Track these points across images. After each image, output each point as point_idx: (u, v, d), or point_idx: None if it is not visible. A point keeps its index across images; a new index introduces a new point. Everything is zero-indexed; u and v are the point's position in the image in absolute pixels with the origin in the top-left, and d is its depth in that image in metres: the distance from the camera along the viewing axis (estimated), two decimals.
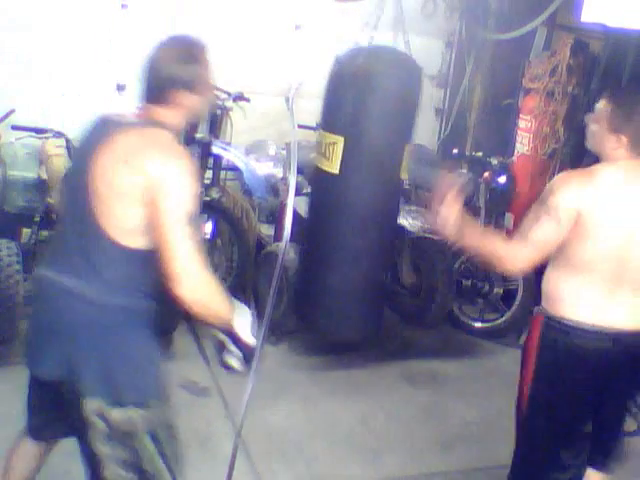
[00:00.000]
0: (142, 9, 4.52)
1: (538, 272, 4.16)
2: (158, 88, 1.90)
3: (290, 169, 2.40)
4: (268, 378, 3.37)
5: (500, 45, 5.08)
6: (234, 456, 2.42)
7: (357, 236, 2.77)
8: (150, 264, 1.84)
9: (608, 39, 4.23)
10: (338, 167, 2.58)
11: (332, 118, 2.62)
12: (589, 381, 2.32)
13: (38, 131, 3.79)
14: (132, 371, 1.93)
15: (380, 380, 3.78)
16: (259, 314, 4.55)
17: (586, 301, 2.26)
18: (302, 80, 2.36)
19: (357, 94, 2.58)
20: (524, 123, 4.82)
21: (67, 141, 3.68)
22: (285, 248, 2.39)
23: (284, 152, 4.48)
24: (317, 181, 2.67)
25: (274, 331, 3.87)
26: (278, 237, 4.27)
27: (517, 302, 4.46)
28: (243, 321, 2.02)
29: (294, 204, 2.42)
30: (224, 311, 1.95)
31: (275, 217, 4.43)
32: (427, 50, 5.31)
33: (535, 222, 2.23)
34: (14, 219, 3.94)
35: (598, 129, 2.29)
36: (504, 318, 4.46)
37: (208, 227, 4.22)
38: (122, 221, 1.83)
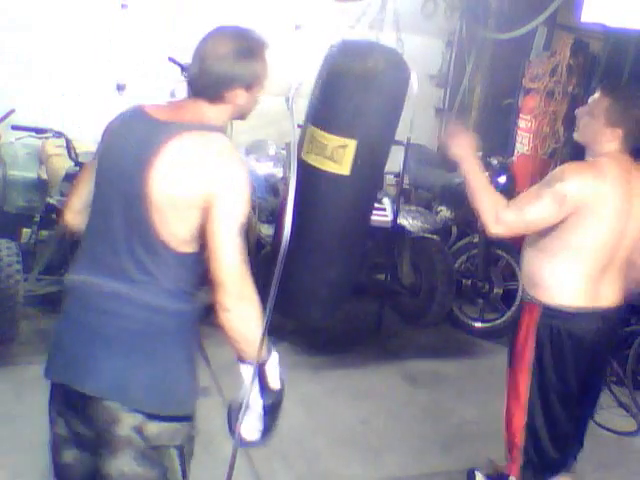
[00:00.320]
0: (142, 9, 4.52)
1: None
2: (214, 84, 1.78)
3: (290, 169, 2.40)
4: None
5: (500, 45, 5.08)
6: (234, 456, 2.42)
7: (360, 234, 2.72)
8: (198, 266, 1.79)
9: (608, 39, 4.24)
10: (349, 169, 2.51)
11: (338, 120, 2.54)
12: (586, 358, 2.47)
13: (38, 131, 3.79)
14: (174, 382, 1.83)
15: (380, 380, 3.78)
16: None
17: (583, 286, 2.39)
18: (302, 80, 2.35)
19: (363, 95, 2.51)
20: (524, 123, 4.82)
21: (67, 141, 3.67)
22: (285, 248, 2.39)
23: (284, 152, 4.48)
24: (320, 183, 2.59)
25: (274, 331, 3.87)
26: (278, 237, 4.27)
27: (517, 302, 4.46)
28: (274, 359, 1.86)
29: (294, 204, 2.42)
30: (258, 337, 1.78)
31: (275, 217, 4.43)
32: (427, 50, 5.32)
33: (536, 199, 2.31)
34: (14, 219, 3.94)
35: (594, 122, 2.37)
36: (504, 318, 4.46)
37: None
38: (178, 229, 1.73)
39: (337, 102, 2.49)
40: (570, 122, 4.55)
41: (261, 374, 1.82)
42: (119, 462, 1.80)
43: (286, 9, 4.90)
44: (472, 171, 2.41)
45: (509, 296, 4.49)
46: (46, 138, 3.81)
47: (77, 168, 3.55)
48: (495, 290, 4.48)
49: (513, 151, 4.94)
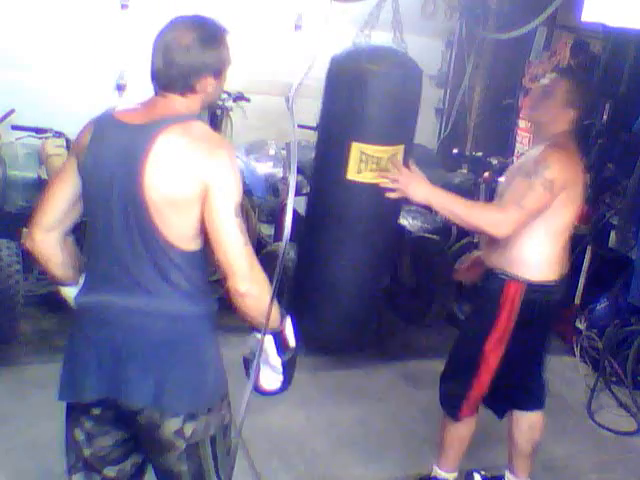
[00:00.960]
0: (142, 9, 4.52)
1: None
2: (184, 76, 1.75)
3: (290, 169, 2.40)
4: None
5: (500, 45, 5.08)
6: (234, 456, 2.42)
7: (392, 240, 2.71)
8: (205, 262, 1.82)
9: (608, 39, 4.23)
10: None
11: (386, 130, 2.49)
12: (553, 321, 2.75)
13: (38, 131, 3.79)
14: (205, 378, 1.87)
15: (380, 380, 3.78)
16: None
17: (560, 260, 2.57)
18: (302, 80, 2.35)
19: (400, 101, 2.47)
20: (524, 123, 4.82)
21: (67, 141, 3.68)
22: (285, 248, 2.39)
23: (284, 152, 4.48)
24: (380, 197, 2.51)
25: None
26: (278, 237, 4.27)
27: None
28: (288, 324, 1.93)
29: (294, 204, 2.42)
30: (274, 312, 1.82)
31: (275, 217, 4.43)
32: (427, 50, 5.31)
33: (530, 191, 2.38)
34: (14, 219, 3.94)
35: (552, 102, 2.49)
36: None
37: None
38: (182, 226, 1.73)
39: (383, 112, 2.43)
40: None
41: (281, 338, 1.89)
42: (166, 462, 1.87)
43: (286, 9, 4.89)
44: (445, 201, 2.44)
45: None
46: (46, 138, 3.81)
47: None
48: None
49: (513, 151, 4.94)
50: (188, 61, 1.74)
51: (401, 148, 2.43)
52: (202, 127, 1.78)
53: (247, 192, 4.51)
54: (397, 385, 3.75)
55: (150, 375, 1.79)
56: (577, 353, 4.25)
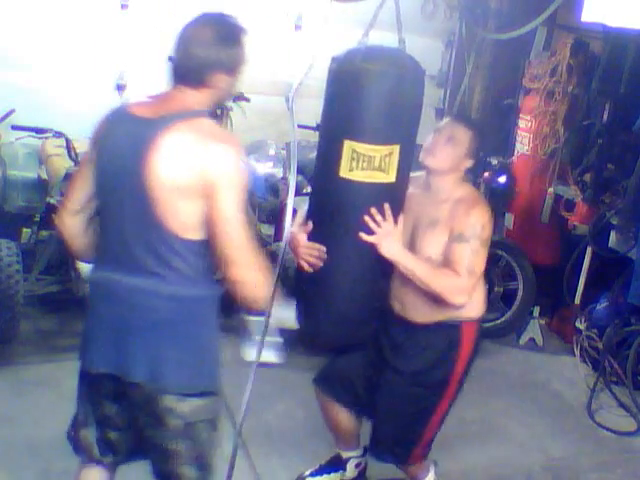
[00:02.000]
0: (142, 9, 4.52)
1: (539, 272, 4.17)
2: (198, 69, 1.85)
3: (290, 169, 2.40)
4: (268, 378, 3.37)
5: (500, 45, 5.08)
6: (234, 456, 2.42)
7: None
8: (209, 252, 1.88)
9: (608, 39, 4.23)
10: (395, 175, 2.47)
11: (381, 129, 2.47)
12: None
13: (38, 131, 3.79)
14: (202, 360, 1.96)
15: None
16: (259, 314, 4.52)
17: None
18: (302, 80, 2.35)
19: (397, 100, 2.45)
20: (524, 123, 4.82)
21: (67, 141, 3.67)
22: (285, 248, 2.39)
23: (284, 152, 4.48)
24: (369, 196, 2.49)
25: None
26: (278, 237, 4.27)
27: (517, 302, 4.47)
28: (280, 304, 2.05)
29: (294, 204, 2.41)
30: (267, 296, 1.96)
31: (275, 217, 4.43)
32: (427, 50, 5.31)
33: (476, 255, 2.41)
34: (14, 219, 3.94)
35: (456, 150, 2.51)
36: (504, 318, 4.46)
37: None
38: (185, 217, 1.82)
39: (376, 111, 2.41)
40: (570, 122, 4.56)
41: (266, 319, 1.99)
42: (159, 439, 1.96)
43: (286, 9, 4.90)
44: (411, 264, 2.40)
45: (509, 296, 4.49)
46: (46, 138, 3.81)
47: (77, 168, 3.55)
48: (495, 290, 4.48)
49: (513, 151, 4.93)
50: (204, 55, 1.83)
51: (396, 148, 2.41)
52: (211, 124, 1.87)
53: (247, 192, 4.52)
54: None
55: (148, 351, 1.89)
56: (577, 353, 4.26)
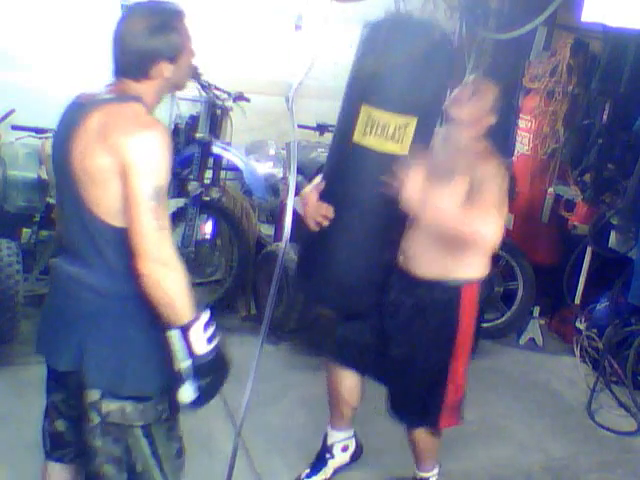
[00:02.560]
0: None
1: (539, 272, 4.17)
2: (136, 61, 1.81)
3: (290, 169, 2.40)
4: (268, 378, 3.37)
5: (500, 45, 5.08)
6: (234, 456, 2.42)
7: (395, 213, 2.61)
8: None
9: (608, 39, 4.23)
10: (408, 148, 2.42)
11: (399, 98, 2.41)
12: None
13: (38, 131, 3.79)
14: (125, 362, 1.86)
15: None
16: (259, 314, 4.57)
17: None
18: (302, 80, 2.35)
19: (421, 70, 2.39)
20: (524, 123, 4.82)
21: None
22: (285, 248, 2.39)
23: (284, 152, 4.48)
24: (380, 165, 2.44)
25: (274, 331, 3.87)
26: (278, 237, 4.27)
27: (517, 302, 4.47)
28: (200, 323, 1.81)
29: (294, 204, 2.41)
30: (182, 304, 1.76)
31: (275, 217, 4.43)
32: None
33: (501, 202, 2.41)
34: (14, 219, 3.94)
35: (482, 104, 2.52)
36: (504, 318, 4.46)
37: (208, 227, 4.22)
38: (109, 202, 1.76)
39: (397, 80, 2.37)
40: (570, 122, 4.56)
41: (186, 338, 1.78)
42: (84, 433, 1.92)
43: (286, 9, 4.89)
44: (440, 211, 2.37)
45: (509, 296, 4.49)
46: (46, 138, 3.81)
47: None
48: (495, 290, 4.48)
49: (513, 151, 4.93)
50: (139, 47, 1.80)
51: (413, 121, 2.36)
52: (136, 108, 1.80)
53: (247, 192, 4.52)
54: None
55: (74, 342, 1.86)
56: (577, 353, 4.26)
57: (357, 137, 2.41)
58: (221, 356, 1.86)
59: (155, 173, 1.73)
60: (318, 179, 2.62)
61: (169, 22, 1.83)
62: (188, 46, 1.87)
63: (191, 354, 1.78)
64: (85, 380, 1.86)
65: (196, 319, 1.78)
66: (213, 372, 1.84)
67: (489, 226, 2.36)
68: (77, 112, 1.83)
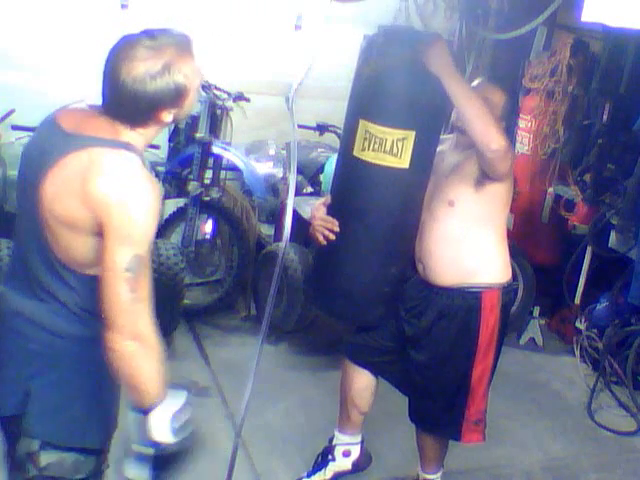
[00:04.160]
0: (142, 9, 4.52)
1: (539, 272, 4.17)
2: (133, 110, 1.57)
3: (290, 169, 2.40)
4: (268, 378, 3.37)
5: (500, 45, 5.08)
6: (234, 456, 2.42)
7: (413, 227, 2.61)
8: None
9: (608, 39, 4.23)
10: (409, 161, 2.44)
11: (396, 112, 2.43)
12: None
13: None
14: (77, 410, 1.70)
15: (381, 380, 3.77)
16: (259, 314, 4.56)
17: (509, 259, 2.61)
18: (302, 80, 2.35)
19: (418, 84, 2.40)
20: (524, 123, 4.81)
21: None
22: (285, 248, 2.39)
23: (284, 152, 4.48)
24: (379, 178, 2.47)
25: (274, 331, 3.87)
26: (278, 237, 4.27)
27: (517, 302, 4.46)
28: (168, 408, 1.63)
29: (294, 204, 2.42)
30: (150, 387, 1.59)
31: (275, 217, 4.43)
32: None
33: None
34: (14, 219, 3.93)
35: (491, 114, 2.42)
36: None
37: (208, 227, 4.22)
38: (76, 252, 1.60)
39: (393, 93, 2.39)
40: (570, 122, 4.56)
41: (144, 422, 1.60)
42: None
43: (286, 9, 4.89)
44: (459, 83, 2.30)
45: None
46: None
47: None
48: None
49: (513, 155, 4.93)
50: (138, 95, 1.55)
51: (411, 134, 2.37)
52: (128, 160, 1.56)
53: (247, 192, 4.52)
54: None
55: (19, 385, 1.67)
56: (577, 353, 4.26)
57: (357, 152, 2.45)
58: (182, 451, 1.69)
59: (137, 242, 1.53)
60: (327, 195, 2.66)
61: (174, 63, 1.56)
62: (194, 83, 1.63)
63: (146, 440, 1.61)
64: (25, 426, 1.67)
65: (163, 404, 1.61)
66: (166, 465, 1.68)
67: (496, 128, 2.30)
68: (58, 141, 1.59)
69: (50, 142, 1.61)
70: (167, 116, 1.62)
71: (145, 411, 1.60)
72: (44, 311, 1.65)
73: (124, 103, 1.57)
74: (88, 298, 1.62)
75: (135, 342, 1.54)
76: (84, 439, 1.71)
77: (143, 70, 1.53)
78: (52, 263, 1.62)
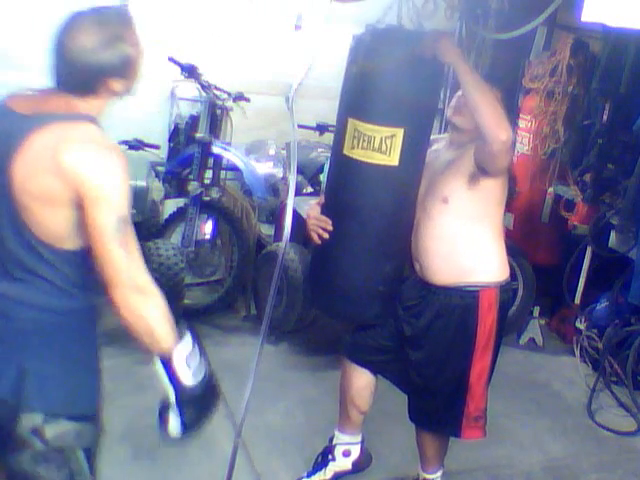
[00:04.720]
0: (142, 9, 4.52)
1: (539, 272, 4.17)
2: (83, 78, 1.67)
3: (290, 169, 2.40)
4: (268, 378, 3.38)
5: (500, 45, 5.08)
6: (234, 456, 2.42)
7: (411, 223, 2.61)
8: (87, 263, 1.70)
9: (608, 39, 4.23)
10: (398, 159, 2.44)
11: (383, 110, 2.43)
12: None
13: None
14: (75, 378, 1.77)
15: (380, 380, 3.77)
16: (259, 314, 4.57)
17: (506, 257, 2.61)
18: (302, 80, 2.35)
19: (406, 82, 2.40)
20: (524, 123, 4.82)
21: None
22: (285, 248, 2.39)
23: (284, 152, 4.49)
24: (369, 176, 2.49)
25: (274, 331, 3.88)
26: (278, 237, 4.27)
27: (517, 302, 4.47)
28: (183, 350, 1.75)
29: (294, 204, 2.42)
30: (162, 331, 1.69)
31: (275, 217, 4.43)
32: None
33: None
34: None
35: None
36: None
37: (208, 227, 4.23)
38: (52, 226, 1.66)
39: (380, 92, 2.40)
40: (570, 122, 4.56)
41: (169, 369, 1.72)
42: (20, 460, 1.75)
43: (286, 9, 4.89)
44: (473, 74, 2.31)
45: None
46: None
47: None
48: None
49: (513, 151, 4.93)
50: (87, 64, 1.65)
51: (399, 131, 2.38)
52: (91, 131, 1.67)
53: (247, 192, 4.52)
54: None
55: (13, 364, 1.71)
56: (577, 353, 4.26)
57: (346, 150, 2.46)
58: (211, 387, 1.80)
59: (116, 204, 1.63)
60: (323, 194, 2.68)
61: (120, 34, 1.68)
62: (139, 56, 1.73)
63: (176, 385, 1.72)
64: (25, 404, 1.71)
65: (178, 348, 1.73)
66: (198, 405, 1.78)
67: (502, 116, 2.27)
68: (18, 125, 1.66)
69: (9, 126, 1.67)
70: (117, 85, 1.71)
71: (167, 358, 1.70)
72: (30, 291, 1.70)
73: (74, 73, 1.67)
74: (70, 273, 1.70)
75: (139, 294, 1.64)
76: (84, 406, 1.79)
77: (90, 41, 1.65)
78: (32, 243, 1.68)
